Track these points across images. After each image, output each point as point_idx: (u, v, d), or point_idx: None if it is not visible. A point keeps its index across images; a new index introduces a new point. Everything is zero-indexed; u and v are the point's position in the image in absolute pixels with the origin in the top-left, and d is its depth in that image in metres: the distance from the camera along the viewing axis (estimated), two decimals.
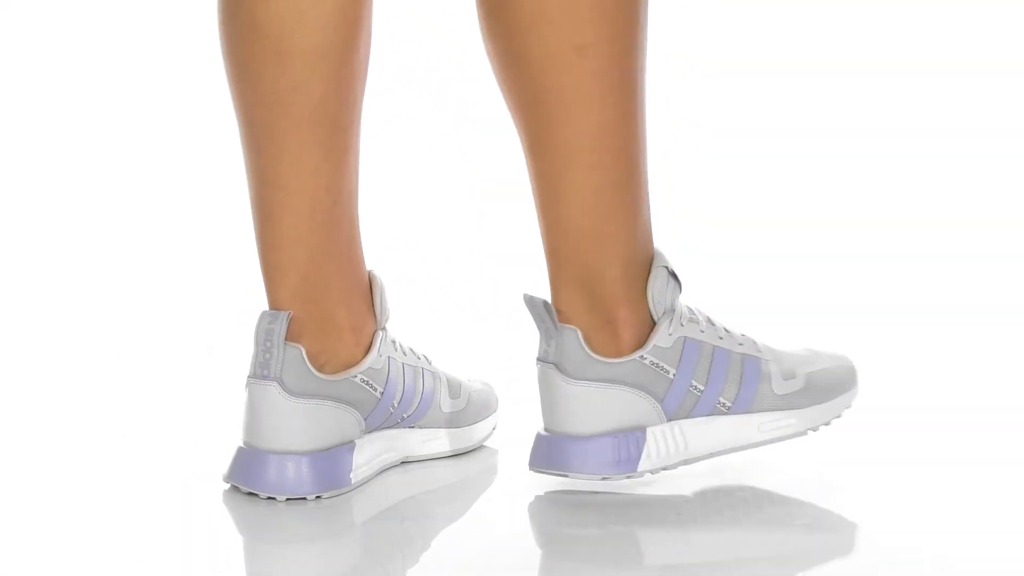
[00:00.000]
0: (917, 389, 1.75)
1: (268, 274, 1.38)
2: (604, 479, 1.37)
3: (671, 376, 1.36)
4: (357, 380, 1.39)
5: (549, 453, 1.37)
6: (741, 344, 1.39)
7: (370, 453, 1.41)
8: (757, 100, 2.60)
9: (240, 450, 1.38)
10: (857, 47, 2.63)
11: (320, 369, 1.38)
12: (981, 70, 2.59)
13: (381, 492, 1.41)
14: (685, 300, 1.41)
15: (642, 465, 1.36)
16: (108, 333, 2.03)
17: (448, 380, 1.49)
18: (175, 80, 2.57)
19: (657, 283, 1.37)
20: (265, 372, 1.36)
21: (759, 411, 1.38)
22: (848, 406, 1.42)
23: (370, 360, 1.40)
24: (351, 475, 1.38)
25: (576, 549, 1.30)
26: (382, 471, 1.43)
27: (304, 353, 1.36)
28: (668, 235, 2.37)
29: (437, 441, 1.47)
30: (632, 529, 1.31)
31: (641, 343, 1.36)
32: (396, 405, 1.43)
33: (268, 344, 1.36)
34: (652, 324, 1.37)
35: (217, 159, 2.41)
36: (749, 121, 2.59)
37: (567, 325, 1.36)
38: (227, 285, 2.24)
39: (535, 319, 1.38)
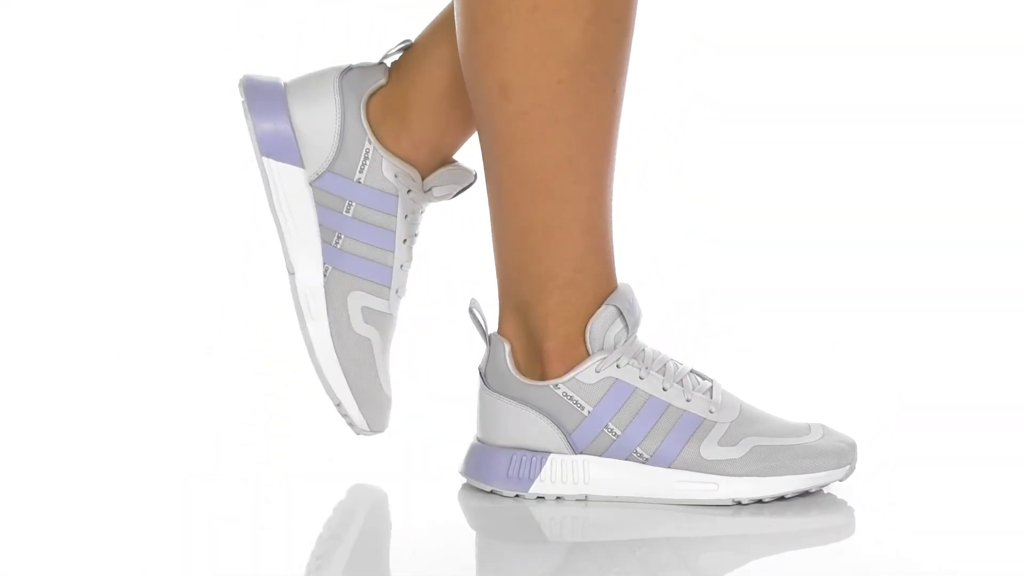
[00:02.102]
0: (936, 383, 1.76)
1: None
2: (492, 491, 1.37)
3: (585, 412, 1.35)
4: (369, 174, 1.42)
5: (465, 456, 1.40)
6: (689, 400, 1.36)
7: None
8: (770, 81, 2.59)
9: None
10: (876, 26, 2.61)
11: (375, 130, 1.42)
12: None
13: (378, 493, 1.41)
14: (652, 344, 1.39)
15: (535, 487, 1.36)
16: (108, 333, 2.03)
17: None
18: (175, 81, 2.57)
19: (598, 320, 1.36)
20: None
21: (681, 469, 1.35)
22: (797, 491, 1.35)
23: (398, 165, 1.42)
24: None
25: (578, 549, 1.30)
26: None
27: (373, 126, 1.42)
28: (675, 220, 2.38)
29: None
30: (638, 524, 1.32)
31: (567, 372, 1.36)
32: (348, 208, 1.43)
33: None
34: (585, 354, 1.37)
35: (217, 160, 2.41)
36: (760, 103, 2.58)
37: (500, 338, 1.38)
38: (227, 285, 2.24)
39: (475, 327, 1.40)
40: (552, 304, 1.36)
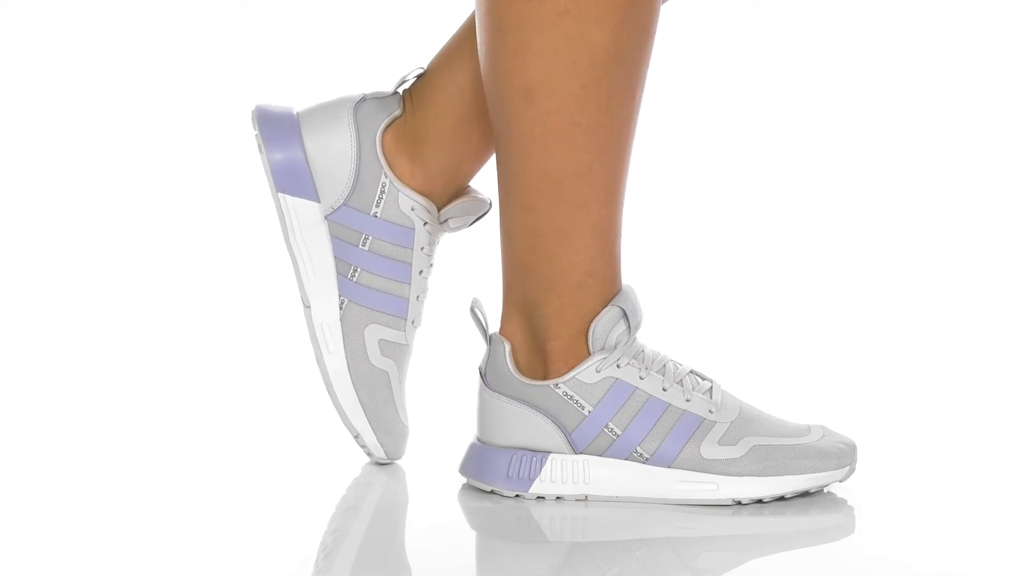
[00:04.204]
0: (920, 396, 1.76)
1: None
2: (492, 491, 1.38)
3: (585, 412, 1.36)
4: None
5: (465, 456, 1.40)
6: (689, 400, 1.36)
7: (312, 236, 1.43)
8: (769, 82, 2.59)
9: None
10: (877, 29, 2.62)
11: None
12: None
13: (378, 493, 1.41)
14: (651, 344, 1.39)
15: (535, 487, 1.36)
16: (109, 333, 2.03)
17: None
18: (175, 81, 2.57)
19: (602, 320, 1.36)
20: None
21: (682, 468, 1.35)
22: (798, 491, 1.35)
23: (412, 190, 1.42)
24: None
25: (578, 549, 1.30)
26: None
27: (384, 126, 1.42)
28: (675, 219, 2.38)
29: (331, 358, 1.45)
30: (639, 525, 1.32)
31: (568, 372, 1.36)
32: (364, 242, 1.43)
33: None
34: (586, 354, 1.37)
35: (218, 160, 2.41)
36: (760, 102, 2.58)
37: (501, 338, 1.38)
38: (227, 285, 2.24)
39: (476, 326, 1.40)
40: (558, 305, 1.36)
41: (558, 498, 1.36)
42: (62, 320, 2.09)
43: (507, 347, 1.37)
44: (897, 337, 2.00)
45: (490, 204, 1.45)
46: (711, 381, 1.39)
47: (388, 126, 1.43)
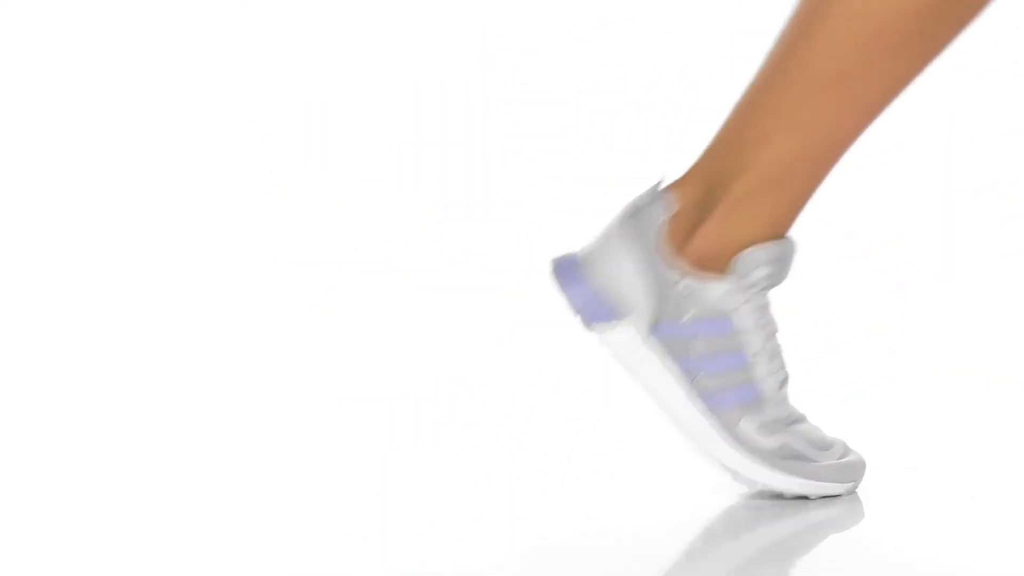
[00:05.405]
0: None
1: None
2: (567, 311, 1.36)
3: (684, 319, 1.35)
4: None
5: (564, 258, 1.38)
6: (766, 376, 1.36)
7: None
8: None
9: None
10: None
11: None
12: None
13: (377, 495, 1.41)
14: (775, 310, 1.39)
15: (594, 333, 1.36)
16: (109, 333, 2.03)
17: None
18: (175, 81, 2.57)
19: (756, 253, 1.34)
20: None
21: (714, 416, 1.35)
22: (797, 494, 1.36)
23: None
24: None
25: (579, 548, 1.30)
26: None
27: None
28: None
29: None
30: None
31: (699, 267, 1.35)
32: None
33: None
34: (723, 270, 1.35)
35: (217, 161, 2.41)
36: None
37: (674, 194, 1.36)
38: (227, 285, 2.24)
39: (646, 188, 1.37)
40: (744, 188, 1.34)
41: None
42: (62, 320, 2.10)
43: (675, 208, 1.35)
44: (899, 336, 2.00)
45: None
46: (787, 374, 1.38)
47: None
